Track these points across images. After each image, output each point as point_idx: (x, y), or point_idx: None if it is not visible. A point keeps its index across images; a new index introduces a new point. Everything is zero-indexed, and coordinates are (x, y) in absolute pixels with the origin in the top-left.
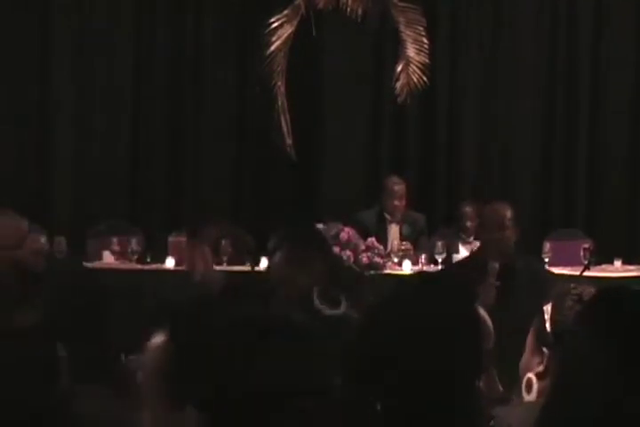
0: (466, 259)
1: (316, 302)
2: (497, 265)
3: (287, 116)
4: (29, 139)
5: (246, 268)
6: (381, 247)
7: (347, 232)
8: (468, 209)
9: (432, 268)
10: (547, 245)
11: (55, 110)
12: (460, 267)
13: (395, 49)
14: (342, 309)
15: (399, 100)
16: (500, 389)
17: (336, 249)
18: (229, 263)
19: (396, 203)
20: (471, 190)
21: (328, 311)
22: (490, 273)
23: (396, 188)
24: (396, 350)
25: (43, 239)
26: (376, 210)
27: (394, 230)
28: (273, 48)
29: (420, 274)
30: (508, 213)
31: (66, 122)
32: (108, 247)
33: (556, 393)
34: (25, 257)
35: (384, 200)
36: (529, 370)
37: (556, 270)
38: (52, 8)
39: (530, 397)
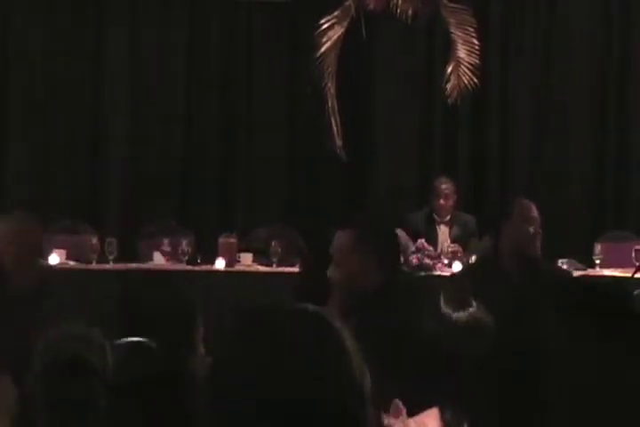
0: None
1: (443, 305)
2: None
3: (337, 118)
4: (81, 140)
5: (296, 269)
6: (431, 249)
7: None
8: None
9: None
10: (598, 247)
11: (108, 113)
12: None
13: (445, 50)
14: (472, 310)
15: (450, 101)
16: None
17: None
18: (279, 264)
19: (442, 202)
20: (523, 192)
21: (456, 315)
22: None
23: (442, 186)
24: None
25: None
26: (425, 211)
27: (443, 232)
28: (323, 49)
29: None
30: (535, 210)
31: (118, 125)
32: (158, 248)
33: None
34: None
35: (432, 200)
36: None
37: (607, 272)
38: (107, 6)
39: None
